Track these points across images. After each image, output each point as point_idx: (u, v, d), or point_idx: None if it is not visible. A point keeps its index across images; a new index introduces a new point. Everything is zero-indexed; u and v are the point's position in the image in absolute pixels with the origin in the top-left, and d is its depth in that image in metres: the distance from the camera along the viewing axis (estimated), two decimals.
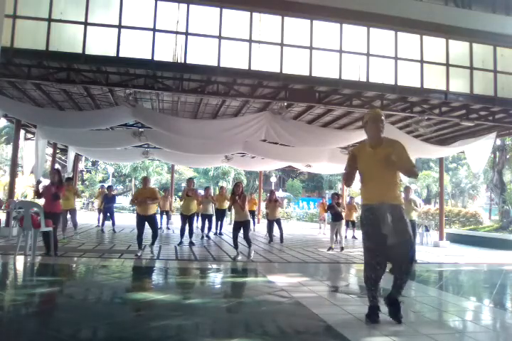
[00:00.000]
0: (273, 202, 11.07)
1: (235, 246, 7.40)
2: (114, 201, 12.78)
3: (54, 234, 6.86)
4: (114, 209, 13.10)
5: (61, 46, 6.66)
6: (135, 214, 7.88)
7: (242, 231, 7.46)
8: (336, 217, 9.52)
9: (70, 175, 14.88)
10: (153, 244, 7.60)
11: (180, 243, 9.14)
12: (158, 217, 9.74)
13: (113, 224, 12.14)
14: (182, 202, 9.68)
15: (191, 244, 9.12)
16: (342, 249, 9.29)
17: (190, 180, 10.01)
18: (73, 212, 9.79)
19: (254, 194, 19.22)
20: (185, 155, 13.36)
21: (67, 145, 14.03)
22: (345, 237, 12.16)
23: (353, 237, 12.93)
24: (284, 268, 6.79)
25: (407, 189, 8.03)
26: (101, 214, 13.47)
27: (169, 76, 7.67)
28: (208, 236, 11.31)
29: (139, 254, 7.16)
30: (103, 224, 12.21)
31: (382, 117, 3.63)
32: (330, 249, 9.24)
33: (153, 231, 7.55)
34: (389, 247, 3.41)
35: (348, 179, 3.85)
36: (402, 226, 3.44)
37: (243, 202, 7.33)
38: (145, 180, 7.83)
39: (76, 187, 11.21)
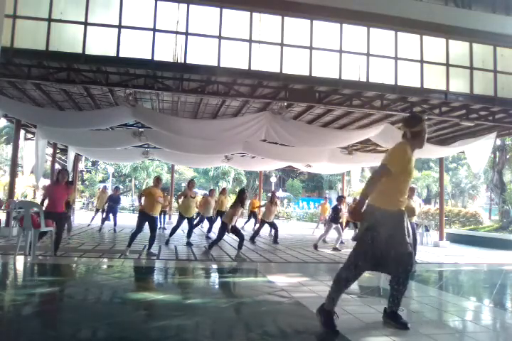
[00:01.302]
0: (274, 205, 11.16)
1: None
2: (118, 201, 12.94)
3: (59, 234, 6.83)
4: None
5: (61, 46, 6.66)
6: (137, 214, 7.82)
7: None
8: (334, 220, 9.73)
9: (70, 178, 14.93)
10: (149, 248, 7.38)
11: (167, 241, 9.00)
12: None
13: (115, 224, 12.23)
14: (182, 203, 9.62)
15: (189, 244, 9.04)
16: (335, 249, 9.35)
17: (192, 182, 10.01)
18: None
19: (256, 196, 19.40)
20: (185, 155, 13.36)
21: (67, 145, 14.03)
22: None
23: None
24: (284, 268, 6.79)
25: (411, 189, 7.98)
26: (97, 214, 13.55)
27: (169, 76, 7.67)
28: (208, 236, 11.31)
29: (127, 254, 7.06)
30: (103, 223, 12.29)
31: None
32: (318, 247, 9.43)
33: (151, 234, 7.34)
34: (392, 256, 3.29)
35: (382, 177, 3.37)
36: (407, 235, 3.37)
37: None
38: (158, 180, 7.81)
39: (74, 193, 11.27)
